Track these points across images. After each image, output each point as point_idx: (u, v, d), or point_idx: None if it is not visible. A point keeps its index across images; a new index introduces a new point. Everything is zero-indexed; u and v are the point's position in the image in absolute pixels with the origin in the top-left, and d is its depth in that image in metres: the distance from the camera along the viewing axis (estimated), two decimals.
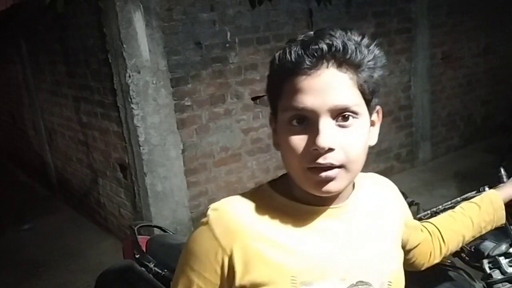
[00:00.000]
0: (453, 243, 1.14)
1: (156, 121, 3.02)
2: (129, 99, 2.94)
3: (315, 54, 0.74)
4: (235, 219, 0.80)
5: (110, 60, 3.02)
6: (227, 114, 3.33)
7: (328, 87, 0.74)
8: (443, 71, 4.60)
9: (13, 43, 4.71)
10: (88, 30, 3.24)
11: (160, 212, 3.14)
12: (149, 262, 1.62)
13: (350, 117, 0.76)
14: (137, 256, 1.66)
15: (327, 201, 0.83)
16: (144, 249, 1.73)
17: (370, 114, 0.81)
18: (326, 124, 0.74)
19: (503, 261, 1.33)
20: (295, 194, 0.83)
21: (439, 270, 1.31)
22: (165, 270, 1.56)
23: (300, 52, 0.75)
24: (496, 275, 1.33)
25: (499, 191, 1.21)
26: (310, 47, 0.75)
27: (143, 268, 1.60)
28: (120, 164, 3.36)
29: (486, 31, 4.82)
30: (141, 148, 3.01)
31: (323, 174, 0.75)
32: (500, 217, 1.17)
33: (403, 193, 1.51)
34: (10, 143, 6.09)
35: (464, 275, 1.39)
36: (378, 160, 4.23)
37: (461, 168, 4.37)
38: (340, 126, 0.75)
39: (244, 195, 0.86)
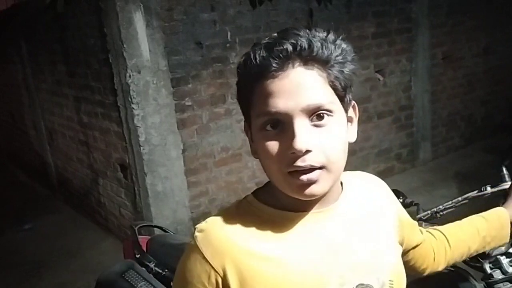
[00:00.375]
0: (459, 252, 1.11)
1: (157, 121, 3.02)
2: (130, 99, 2.94)
3: (280, 55, 0.73)
4: (223, 238, 0.78)
5: (110, 60, 3.02)
6: (228, 114, 3.33)
7: (298, 87, 0.73)
8: (443, 71, 4.60)
9: (13, 43, 4.71)
10: (88, 30, 3.24)
11: (160, 212, 3.13)
12: (149, 262, 1.62)
13: (325, 116, 0.74)
14: (137, 256, 1.67)
15: (314, 204, 0.80)
16: (144, 249, 1.73)
17: (346, 110, 0.79)
18: (301, 126, 0.72)
19: (504, 260, 1.33)
20: (281, 201, 0.81)
21: (440, 271, 1.31)
22: (166, 270, 1.56)
23: (265, 55, 0.73)
24: (497, 275, 1.32)
25: (507, 208, 1.17)
26: (275, 48, 0.73)
27: (143, 268, 1.61)
28: (121, 164, 3.36)
29: (486, 31, 4.82)
30: (141, 148, 3.01)
31: (304, 177, 0.73)
32: (505, 236, 1.14)
33: (402, 194, 1.51)
34: (10, 143, 6.09)
35: (465, 275, 1.39)
36: (379, 160, 4.23)
37: (462, 168, 4.37)
38: (315, 126, 0.74)
39: (229, 210, 0.84)
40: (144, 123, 2.99)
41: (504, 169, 1.34)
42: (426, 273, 1.11)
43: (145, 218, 3.15)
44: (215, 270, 0.76)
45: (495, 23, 4.84)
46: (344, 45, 0.77)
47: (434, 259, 1.09)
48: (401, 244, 0.95)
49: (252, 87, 0.76)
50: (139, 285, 1.52)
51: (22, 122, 5.29)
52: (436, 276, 1.36)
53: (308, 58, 0.73)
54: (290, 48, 0.72)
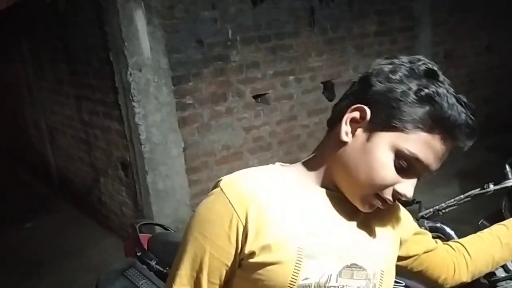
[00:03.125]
0: (482, 262, 1.10)
1: (158, 119, 3.02)
2: (131, 97, 2.93)
3: (474, 131, 0.81)
4: (248, 187, 0.82)
5: (111, 58, 3.01)
6: (229, 113, 3.32)
7: (444, 157, 0.82)
8: (445, 69, 4.51)
9: (15, 42, 4.72)
10: (89, 28, 3.24)
11: (161, 210, 3.13)
12: (150, 260, 1.62)
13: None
14: (138, 254, 1.67)
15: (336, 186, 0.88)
16: (145, 247, 1.73)
17: None
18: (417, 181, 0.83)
19: None
20: (309, 176, 0.88)
21: None
22: (167, 268, 1.56)
23: (470, 128, 0.80)
24: (500, 273, 1.32)
25: None
26: (473, 121, 0.81)
27: (144, 266, 1.61)
28: (122, 162, 3.35)
29: (488, 29, 4.80)
30: (142, 146, 3.00)
31: (383, 206, 0.84)
32: None
33: None
34: (11, 142, 6.10)
35: None
36: None
37: (464, 166, 4.35)
38: None
39: (256, 168, 0.89)
40: (145, 121, 2.98)
41: (507, 166, 1.33)
42: (449, 285, 1.11)
43: (146, 216, 3.14)
44: (238, 216, 0.79)
45: (498, 21, 4.82)
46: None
47: (455, 270, 1.09)
48: (407, 250, 1.03)
49: (429, 127, 0.79)
50: (140, 283, 1.52)
51: (23, 120, 5.29)
52: None
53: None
54: (474, 137, 0.82)
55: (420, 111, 0.78)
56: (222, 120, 3.30)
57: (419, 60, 0.83)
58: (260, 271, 0.80)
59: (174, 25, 3.01)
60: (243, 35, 3.27)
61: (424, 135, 0.78)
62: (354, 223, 0.88)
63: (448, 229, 1.37)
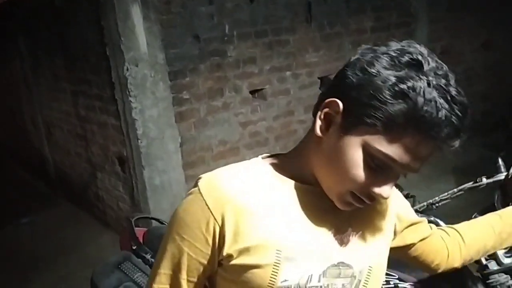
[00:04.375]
0: (474, 249, 1.11)
1: (154, 114, 3.02)
2: (127, 92, 2.93)
3: (457, 129, 0.72)
4: (226, 190, 0.80)
5: (108, 53, 3.01)
6: (225, 108, 3.32)
7: (426, 158, 0.75)
8: None
9: (12, 38, 4.70)
10: (86, 23, 3.23)
11: (158, 205, 3.13)
12: (146, 254, 1.62)
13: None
14: (134, 248, 1.67)
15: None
16: (141, 241, 1.74)
17: None
18: (396, 180, 0.78)
19: (500, 252, 1.33)
20: (293, 171, 0.84)
21: None
22: None
23: (452, 126, 0.71)
24: (492, 266, 1.32)
25: None
26: (458, 118, 0.71)
27: (140, 259, 1.61)
28: (119, 157, 3.35)
29: (486, 26, 4.80)
30: (139, 141, 3.00)
31: (359, 204, 0.79)
32: None
33: (399, 186, 1.51)
34: (8, 138, 6.09)
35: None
36: None
37: (460, 163, 4.36)
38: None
39: (236, 166, 0.86)
40: (142, 117, 2.98)
41: (500, 160, 1.34)
42: (441, 269, 1.11)
43: (143, 211, 3.15)
44: (214, 218, 0.78)
45: (495, 18, 4.82)
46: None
47: (448, 256, 1.09)
48: (403, 240, 1.01)
49: (402, 126, 0.71)
50: (135, 276, 1.52)
51: (21, 116, 5.28)
52: None
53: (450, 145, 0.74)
54: (460, 136, 0.73)
55: (393, 108, 0.70)
56: (219, 115, 3.30)
57: (410, 47, 0.76)
58: (238, 273, 0.80)
59: (170, 20, 3.01)
60: (240, 31, 3.27)
61: (398, 135, 0.71)
62: (340, 219, 0.85)
63: (441, 223, 1.37)
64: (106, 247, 3.41)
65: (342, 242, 0.84)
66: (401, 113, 0.70)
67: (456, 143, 0.74)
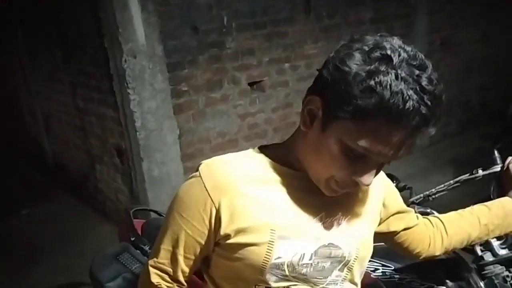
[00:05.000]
0: (457, 239, 1.15)
1: (153, 106, 3.01)
2: (126, 84, 2.92)
3: (426, 118, 0.76)
4: (224, 175, 0.88)
5: (105, 44, 3.00)
6: (224, 100, 3.32)
7: (401, 145, 0.79)
8: (441, 57, 4.58)
9: (9, 28, 4.68)
10: (83, 14, 3.22)
11: (157, 197, 3.14)
12: (144, 245, 1.64)
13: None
14: (132, 239, 1.68)
15: None
16: (140, 232, 1.74)
17: None
18: (375, 169, 0.83)
19: (495, 243, 1.34)
20: (286, 160, 0.91)
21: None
22: None
23: (421, 115, 0.75)
24: (488, 257, 1.34)
25: None
26: (425, 110, 0.75)
27: (138, 251, 1.62)
28: (117, 149, 3.36)
29: (485, 17, 4.79)
30: (137, 133, 3.01)
31: (343, 190, 0.86)
32: (510, 223, 1.16)
33: (396, 178, 1.52)
34: (7, 129, 6.08)
35: (458, 258, 1.40)
36: None
37: (458, 154, 4.38)
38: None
39: (236, 154, 0.94)
40: (140, 108, 2.98)
41: (496, 152, 1.35)
42: (422, 257, 1.15)
43: (142, 203, 3.16)
44: (212, 201, 0.86)
45: (495, 10, 4.80)
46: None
47: (430, 245, 1.13)
48: (387, 226, 1.07)
49: (374, 116, 0.76)
50: (133, 267, 1.54)
51: (19, 108, 5.27)
52: (430, 260, 1.38)
53: (423, 130, 0.79)
54: (432, 121, 0.77)
55: (363, 102, 0.75)
56: (217, 107, 3.30)
57: (383, 41, 0.80)
58: (235, 251, 0.87)
59: (168, 12, 2.99)
60: (238, 22, 3.26)
61: (370, 126, 0.76)
62: (330, 204, 0.92)
63: (437, 215, 1.38)
64: (105, 239, 3.43)
65: (332, 225, 0.92)
66: (370, 107, 0.75)
67: (431, 131, 0.79)
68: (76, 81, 3.66)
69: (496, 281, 1.32)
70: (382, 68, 0.75)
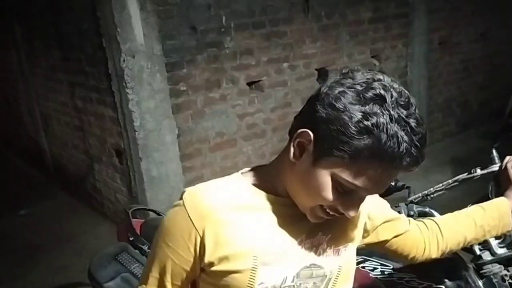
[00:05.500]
0: (453, 242, 1.15)
1: (151, 106, 3.01)
2: (124, 84, 2.92)
3: (417, 159, 0.79)
4: (207, 204, 0.89)
5: (104, 44, 3.00)
6: (223, 99, 3.32)
7: (389, 181, 0.83)
8: (440, 56, 4.59)
9: (7, 28, 4.67)
10: (82, 13, 3.21)
11: (156, 197, 3.14)
12: (143, 245, 1.64)
13: None
14: (131, 239, 1.68)
15: None
16: (138, 232, 1.74)
17: None
18: (362, 202, 0.86)
19: (493, 242, 1.34)
20: (268, 185, 0.93)
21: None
22: None
23: (413, 158, 0.78)
24: (486, 256, 1.34)
25: (508, 198, 1.19)
26: (416, 154, 0.78)
27: (137, 251, 1.62)
28: (116, 149, 3.35)
29: (483, 16, 4.79)
30: (136, 133, 3.00)
31: (328, 217, 0.87)
32: (506, 224, 1.17)
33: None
34: (5, 129, 6.07)
35: (457, 258, 1.40)
36: None
37: (457, 154, 4.38)
38: None
39: (217, 181, 0.94)
40: (139, 108, 2.98)
41: (494, 151, 1.35)
42: (418, 261, 1.16)
43: (141, 203, 3.15)
44: (196, 230, 0.88)
45: (493, 9, 4.81)
46: None
47: (425, 249, 1.14)
48: (376, 236, 1.08)
49: (365, 158, 0.78)
50: (132, 267, 1.54)
51: (17, 107, 5.27)
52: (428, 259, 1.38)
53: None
54: (419, 162, 0.80)
55: (359, 143, 0.77)
56: (216, 107, 3.30)
57: (374, 80, 0.81)
58: (220, 278, 0.89)
59: (167, 11, 2.99)
60: (237, 22, 3.26)
61: (363, 166, 0.78)
62: (311, 225, 0.92)
63: (436, 214, 1.38)
64: (104, 238, 3.42)
65: (313, 245, 0.93)
66: (366, 147, 0.77)
67: (415, 169, 0.82)
68: (75, 80, 3.66)
69: (494, 280, 1.32)
70: (377, 109, 0.77)
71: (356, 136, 0.77)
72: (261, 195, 0.92)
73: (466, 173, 1.34)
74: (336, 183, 0.82)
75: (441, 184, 1.38)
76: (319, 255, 0.93)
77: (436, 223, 1.15)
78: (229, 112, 3.36)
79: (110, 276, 1.52)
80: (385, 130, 0.76)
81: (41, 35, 4.02)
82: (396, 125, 0.76)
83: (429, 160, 4.66)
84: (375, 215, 1.05)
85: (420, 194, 1.42)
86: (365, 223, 1.03)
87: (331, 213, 0.86)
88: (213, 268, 0.89)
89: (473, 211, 1.17)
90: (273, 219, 0.91)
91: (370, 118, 0.76)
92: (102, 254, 1.63)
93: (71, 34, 3.47)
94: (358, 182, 0.80)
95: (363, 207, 0.99)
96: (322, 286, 0.94)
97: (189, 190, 0.92)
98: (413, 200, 1.43)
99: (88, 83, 3.44)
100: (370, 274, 1.40)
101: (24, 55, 4.57)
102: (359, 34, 3.89)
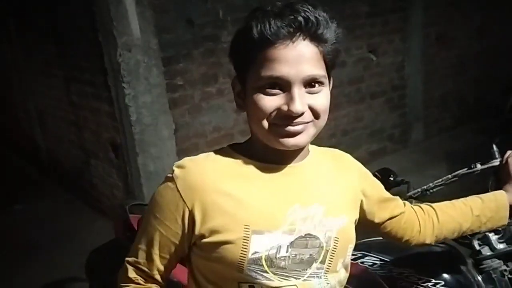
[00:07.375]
0: (448, 228, 1.15)
1: (148, 100, 2.99)
2: (120, 79, 2.90)
3: (293, 25, 0.82)
4: (197, 177, 0.90)
5: (100, 38, 2.97)
6: (220, 94, 3.30)
7: (302, 58, 0.84)
8: (436, 51, 4.58)
9: (1, 22, 4.63)
10: (77, 8, 3.18)
11: (152, 192, 3.11)
12: None
13: (317, 85, 0.87)
14: (128, 234, 1.67)
15: (285, 160, 0.94)
16: (136, 227, 1.73)
17: (329, 83, 0.92)
18: (299, 92, 0.85)
19: (493, 237, 1.34)
20: (256, 153, 0.93)
21: (430, 247, 1.33)
22: None
23: (279, 24, 0.82)
24: (485, 251, 1.34)
25: (507, 192, 1.19)
26: (288, 18, 0.82)
27: None
28: (112, 144, 3.34)
29: (480, 12, 4.79)
30: (132, 128, 2.99)
31: (291, 128, 0.86)
32: (502, 217, 1.17)
33: (393, 172, 1.52)
34: (0, 125, 6.03)
35: (456, 252, 1.40)
36: (371, 140, 4.23)
37: (453, 148, 4.39)
38: (308, 92, 0.86)
39: (207, 154, 0.96)
40: (135, 103, 2.96)
41: (494, 146, 1.34)
42: (412, 244, 1.16)
43: (137, 198, 3.14)
44: (184, 202, 0.89)
45: (490, 4, 4.80)
46: (337, 27, 0.89)
47: (420, 232, 1.14)
48: (372, 215, 1.08)
49: (257, 50, 0.84)
50: None
51: (12, 103, 5.23)
52: (428, 253, 1.38)
53: (314, 34, 0.84)
54: (302, 21, 0.82)
55: (246, 45, 0.85)
56: (213, 101, 3.28)
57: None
58: (212, 250, 0.89)
59: (163, 5, 2.97)
60: (234, 16, 3.23)
61: (262, 59, 0.84)
62: (305, 194, 0.94)
63: (431, 204, 1.38)
64: (100, 234, 3.40)
65: (308, 215, 0.93)
66: (250, 44, 0.84)
67: (324, 31, 0.85)
68: (70, 75, 3.63)
69: (493, 275, 1.32)
70: (254, 14, 0.86)
71: (242, 42, 0.87)
72: (251, 164, 0.93)
73: (466, 168, 1.34)
74: (265, 90, 0.85)
75: (440, 179, 1.38)
76: (314, 225, 0.93)
77: (433, 208, 1.16)
78: (226, 106, 3.34)
79: (107, 272, 1.50)
80: (256, 19, 0.84)
81: (36, 30, 3.99)
82: (270, 16, 0.83)
83: (425, 155, 4.67)
84: (371, 193, 1.06)
85: (419, 189, 1.42)
86: (362, 201, 1.04)
87: (283, 121, 0.86)
88: (205, 240, 0.89)
89: (471, 200, 1.17)
90: (264, 186, 0.92)
91: (247, 21, 0.86)
92: (99, 249, 1.62)
93: (67, 29, 3.44)
94: (271, 72, 0.83)
95: (357, 183, 1.03)
96: (319, 258, 0.93)
97: (177, 163, 0.94)
98: (412, 195, 1.43)
99: (84, 78, 3.41)
100: (369, 270, 1.40)
101: (18, 49, 4.53)
102: (356, 28, 3.88)
